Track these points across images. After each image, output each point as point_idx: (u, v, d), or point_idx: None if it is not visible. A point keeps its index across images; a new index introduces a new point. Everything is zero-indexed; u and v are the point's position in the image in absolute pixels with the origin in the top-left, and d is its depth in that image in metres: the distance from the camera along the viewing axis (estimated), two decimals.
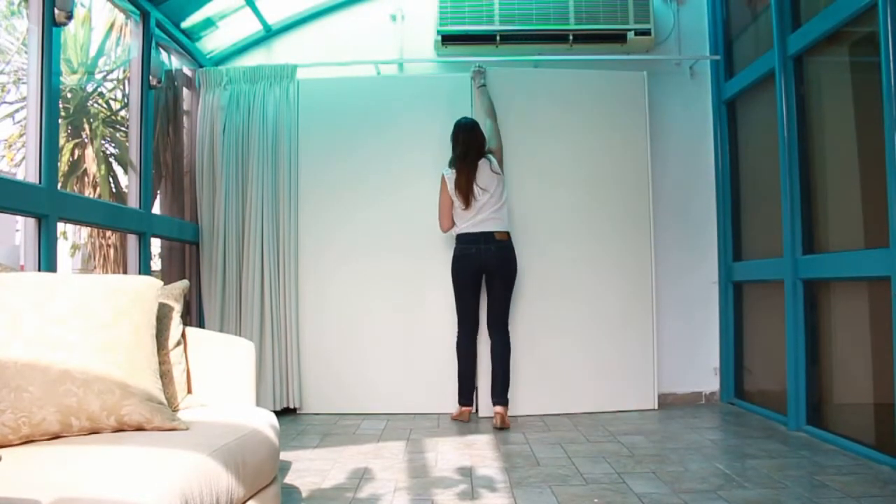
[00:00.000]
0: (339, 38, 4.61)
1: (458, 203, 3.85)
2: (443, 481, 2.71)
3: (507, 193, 3.93)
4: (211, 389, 2.14)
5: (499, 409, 3.78)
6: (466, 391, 3.98)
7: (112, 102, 9.88)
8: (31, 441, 1.60)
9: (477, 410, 4.10)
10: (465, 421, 3.90)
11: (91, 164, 9.29)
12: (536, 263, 4.28)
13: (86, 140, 9.37)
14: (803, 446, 3.18)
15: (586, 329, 4.28)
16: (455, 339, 4.02)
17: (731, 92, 4.35)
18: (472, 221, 3.83)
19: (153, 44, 3.70)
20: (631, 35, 4.33)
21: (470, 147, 3.86)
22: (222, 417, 1.89)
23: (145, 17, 3.64)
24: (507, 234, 3.87)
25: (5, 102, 9.32)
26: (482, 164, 3.85)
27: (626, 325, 4.30)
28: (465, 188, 3.80)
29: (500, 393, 3.81)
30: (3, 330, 1.63)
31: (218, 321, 4.17)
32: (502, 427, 3.69)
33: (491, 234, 3.81)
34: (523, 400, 4.21)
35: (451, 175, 3.88)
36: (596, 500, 2.44)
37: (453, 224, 3.97)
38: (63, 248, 9.85)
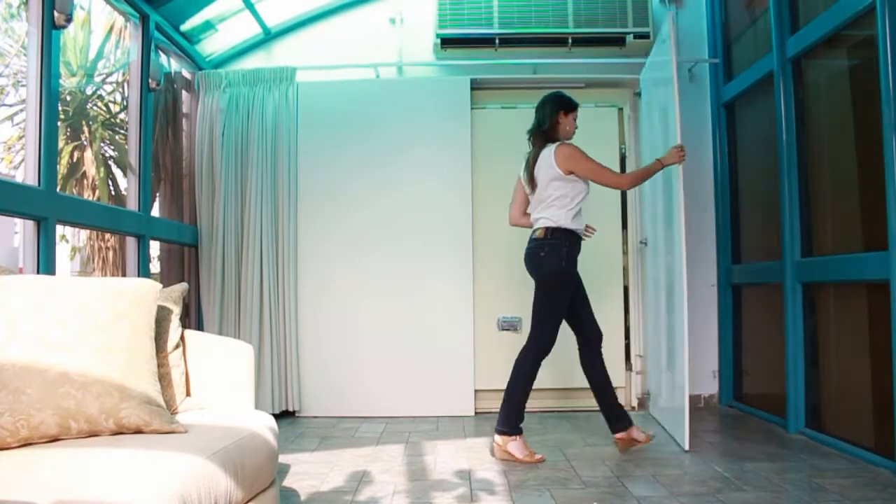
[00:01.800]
0: (338, 42, 4.62)
1: (528, 189, 3.31)
2: (441, 484, 2.71)
3: (570, 197, 3.18)
4: (209, 392, 2.14)
5: (495, 438, 3.17)
6: (607, 416, 3.28)
7: (111, 105, 9.89)
8: (30, 444, 1.60)
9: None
10: (622, 450, 3.23)
11: (90, 167, 9.29)
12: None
13: (85, 143, 9.38)
14: (802, 449, 3.18)
15: None
16: None
17: (729, 95, 4.35)
18: (532, 218, 3.32)
19: (152, 46, 3.70)
20: (630, 38, 4.34)
21: (537, 121, 3.29)
22: (221, 420, 1.89)
23: (145, 19, 3.64)
24: (545, 230, 3.18)
25: (5, 105, 9.32)
26: (545, 150, 3.22)
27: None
28: (529, 168, 3.27)
29: (499, 418, 3.19)
30: (1, 331, 1.63)
31: (217, 324, 4.17)
32: (499, 457, 3.14)
33: (534, 230, 3.27)
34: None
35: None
36: (595, 503, 2.44)
37: (522, 217, 3.46)
38: (62, 250, 9.85)
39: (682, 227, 3.23)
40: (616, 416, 3.23)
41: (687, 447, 3.21)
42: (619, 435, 3.22)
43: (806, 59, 3.57)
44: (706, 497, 2.49)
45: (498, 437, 3.14)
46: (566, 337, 4.32)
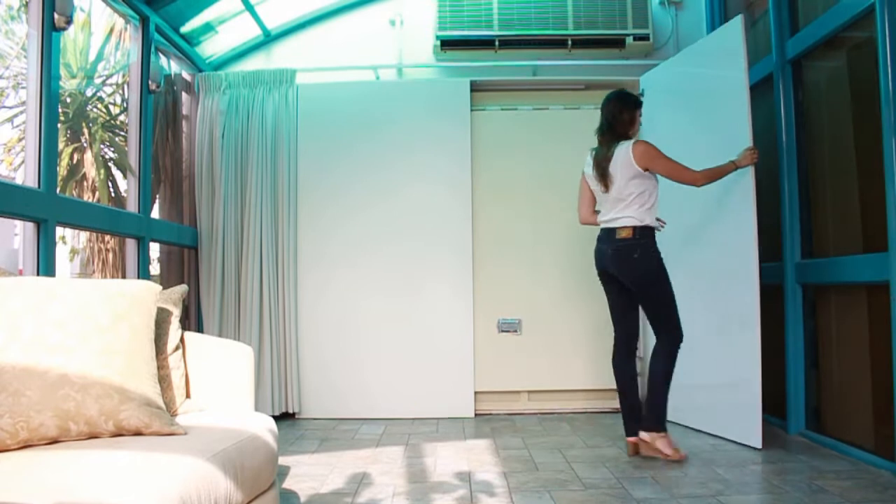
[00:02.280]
0: (338, 43, 4.62)
1: (596, 187, 3.28)
2: (441, 486, 2.71)
3: (649, 193, 3.17)
4: (209, 394, 2.14)
5: (641, 435, 3.14)
6: (625, 417, 3.26)
7: (111, 107, 9.88)
8: (30, 446, 1.60)
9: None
10: (630, 455, 3.19)
11: (90, 169, 9.28)
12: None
13: (85, 144, 9.37)
14: (802, 451, 3.18)
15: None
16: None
17: None
18: (606, 214, 3.25)
19: (152, 48, 3.70)
20: (629, 40, 4.35)
21: (605, 120, 3.27)
22: (221, 422, 1.89)
23: (145, 21, 3.64)
24: (633, 229, 3.14)
25: (5, 107, 9.32)
26: (619, 147, 3.19)
27: None
28: (601, 165, 3.21)
29: (645, 416, 3.16)
30: (1, 333, 1.63)
31: (216, 325, 4.17)
32: (644, 453, 3.14)
33: (612, 231, 3.20)
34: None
35: (589, 158, 3.33)
36: None
37: (592, 215, 3.41)
38: (62, 252, 9.84)
39: (753, 228, 3.26)
40: (635, 419, 3.23)
41: (760, 445, 3.20)
42: (632, 438, 3.21)
43: (806, 61, 3.57)
44: (707, 499, 2.48)
45: (646, 434, 3.11)
46: (568, 339, 4.33)
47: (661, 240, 3.87)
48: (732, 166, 3.23)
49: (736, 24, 3.39)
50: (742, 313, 3.33)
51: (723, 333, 3.51)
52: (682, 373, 3.83)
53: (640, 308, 3.29)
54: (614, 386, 4.28)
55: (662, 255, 3.14)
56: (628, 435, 3.22)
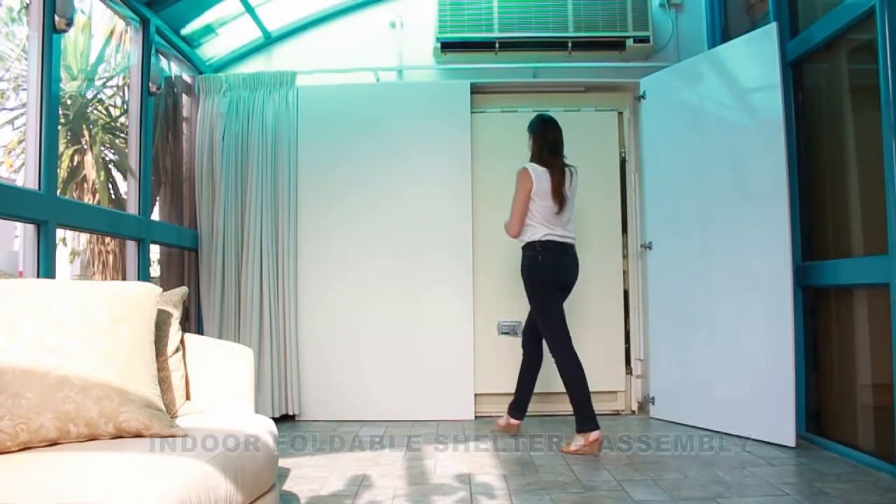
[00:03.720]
0: (338, 46, 4.62)
1: (548, 204, 3.46)
2: (441, 488, 2.70)
3: None
4: (209, 396, 2.14)
5: (596, 435, 3.29)
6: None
7: (112, 109, 9.89)
8: (29, 448, 1.60)
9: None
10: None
11: (90, 171, 9.29)
12: None
13: (85, 146, 9.38)
14: (802, 453, 3.18)
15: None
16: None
17: None
18: (560, 229, 3.50)
19: (153, 50, 3.71)
20: (630, 42, 4.35)
21: (555, 142, 3.57)
22: (221, 424, 1.89)
23: (145, 23, 3.65)
24: (574, 246, 3.60)
25: (5, 109, 9.33)
26: (567, 171, 3.56)
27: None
28: (560, 189, 3.47)
29: (591, 417, 3.33)
30: (1, 335, 1.63)
31: (217, 327, 4.17)
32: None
33: (572, 245, 3.56)
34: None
35: (541, 171, 3.51)
36: None
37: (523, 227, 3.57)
38: (62, 254, 9.85)
39: (787, 223, 3.38)
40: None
41: (794, 444, 3.26)
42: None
43: (806, 63, 3.57)
44: (707, 502, 2.48)
45: (597, 433, 3.31)
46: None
47: (698, 233, 3.92)
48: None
49: (770, 33, 3.41)
50: (775, 311, 3.40)
51: (756, 333, 3.53)
52: (709, 372, 3.82)
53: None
54: (614, 388, 4.34)
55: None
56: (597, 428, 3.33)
